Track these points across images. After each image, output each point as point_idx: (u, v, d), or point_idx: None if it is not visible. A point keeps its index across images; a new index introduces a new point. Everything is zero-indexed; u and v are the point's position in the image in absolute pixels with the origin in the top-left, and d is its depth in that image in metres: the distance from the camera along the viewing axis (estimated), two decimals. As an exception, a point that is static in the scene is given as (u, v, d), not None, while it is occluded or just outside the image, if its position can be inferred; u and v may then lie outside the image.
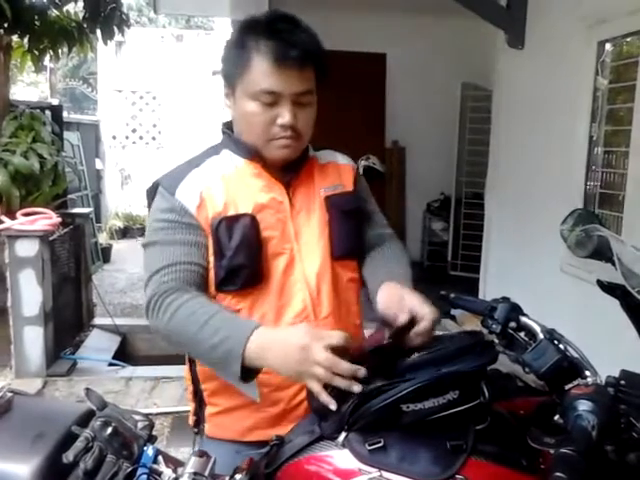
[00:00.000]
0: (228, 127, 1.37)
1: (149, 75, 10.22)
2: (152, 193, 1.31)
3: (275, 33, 1.20)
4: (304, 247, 1.31)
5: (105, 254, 7.85)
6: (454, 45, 6.24)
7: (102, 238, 8.58)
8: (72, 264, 4.31)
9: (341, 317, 1.33)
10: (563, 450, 0.76)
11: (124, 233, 9.77)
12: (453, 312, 1.26)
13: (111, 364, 4.18)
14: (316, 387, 1.02)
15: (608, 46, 3.44)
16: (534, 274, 4.04)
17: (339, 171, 1.41)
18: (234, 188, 1.28)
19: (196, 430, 1.39)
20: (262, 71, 1.20)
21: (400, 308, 1.16)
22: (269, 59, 1.19)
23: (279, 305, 1.28)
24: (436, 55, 6.39)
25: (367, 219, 1.44)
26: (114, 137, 10.48)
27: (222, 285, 1.26)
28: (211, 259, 1.26)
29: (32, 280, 3.66)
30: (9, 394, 1.19)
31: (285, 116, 1.22)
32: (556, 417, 1.03)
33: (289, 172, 1.32)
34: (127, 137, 10.58)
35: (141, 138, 10.62)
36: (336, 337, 1.04)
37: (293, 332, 1.11)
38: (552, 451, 0.83)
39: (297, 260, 1.29)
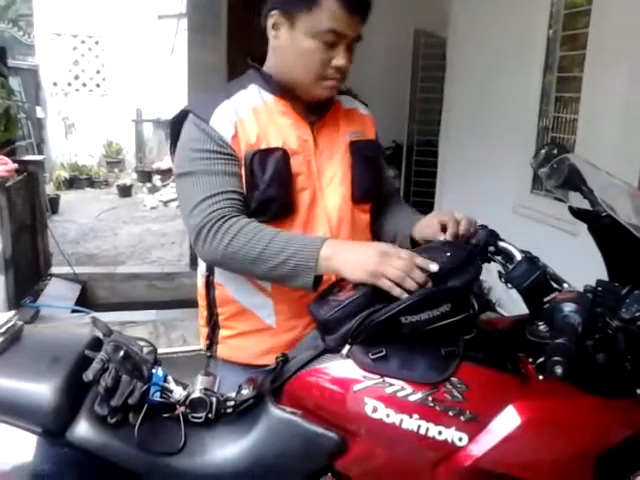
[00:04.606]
0: (255, 61, 1.37)
1: (91, 18, 9.76)
2: (179, 122, 1.32)
3: None
4: (326, 186, 1.36)
5: (53, 205, 7.65)
6: (407, -10, 6.22)
7: (49, 189, 8.33)
8: (27, 212, 4.22)
9: None
10: (559, 340, 0.88)
11: (71, 184, 9.52)
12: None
13: (74, 311, 4.17)
14: (388, 284, 1.09)
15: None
16: (487, 216, 4.15)
17: (362, 119, 1.47)
18: (265, 122, 1.31)
19: (209, 353, 1.46)
20: (332, 11, 1.20)
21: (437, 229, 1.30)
22: (342, 1, 1.20)
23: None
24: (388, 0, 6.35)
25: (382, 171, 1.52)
26: (55, 84, 10.04)
27: (253, 216, 1.27)
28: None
29: (-10, 227, 3.57)
30: (20, 322, 1.23)
31: (342, 59, 1.25)
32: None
33: (315, 112, 1.36)
34: (69, 84, 10.16)
35: (84, 85, 10.22)
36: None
37: (370, 243, 1.26)
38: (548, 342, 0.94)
39: (319, 198, 1.35)
